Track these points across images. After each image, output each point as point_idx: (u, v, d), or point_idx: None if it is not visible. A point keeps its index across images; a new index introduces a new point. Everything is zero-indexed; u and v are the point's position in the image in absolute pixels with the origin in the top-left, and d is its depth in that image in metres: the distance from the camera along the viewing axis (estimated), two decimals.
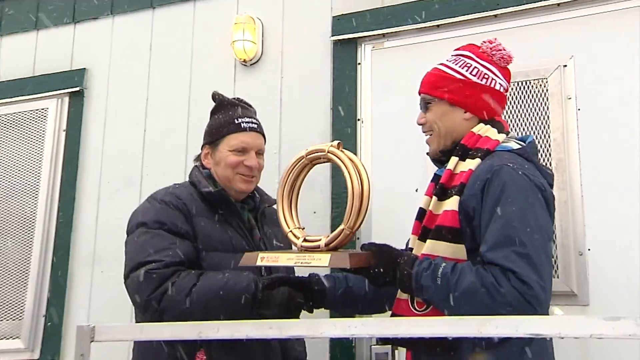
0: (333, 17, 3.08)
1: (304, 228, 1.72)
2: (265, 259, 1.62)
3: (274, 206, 2.02)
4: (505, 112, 2.60)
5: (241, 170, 1.98)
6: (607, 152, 2.52)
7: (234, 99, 2.15)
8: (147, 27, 3.49)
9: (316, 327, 1.26)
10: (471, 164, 1.67)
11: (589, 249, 2.41)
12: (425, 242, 1.65)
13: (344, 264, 1.55)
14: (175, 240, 1.85)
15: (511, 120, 2.66)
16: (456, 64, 1.82)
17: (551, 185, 1.72)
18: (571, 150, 2.50)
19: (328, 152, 1.68)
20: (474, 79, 1.78)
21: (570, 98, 2.57)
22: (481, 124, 1.77)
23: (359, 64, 3.02)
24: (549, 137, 2.57)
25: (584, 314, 2.29)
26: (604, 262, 2.37)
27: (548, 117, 2.59)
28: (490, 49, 1.82)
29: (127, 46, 3.53)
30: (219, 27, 3.29)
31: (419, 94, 1.88)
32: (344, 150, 1.71)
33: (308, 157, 1.73)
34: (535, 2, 2.67)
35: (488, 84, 1.79)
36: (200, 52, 3.35)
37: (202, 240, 1.88)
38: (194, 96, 3.30)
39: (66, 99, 3.52)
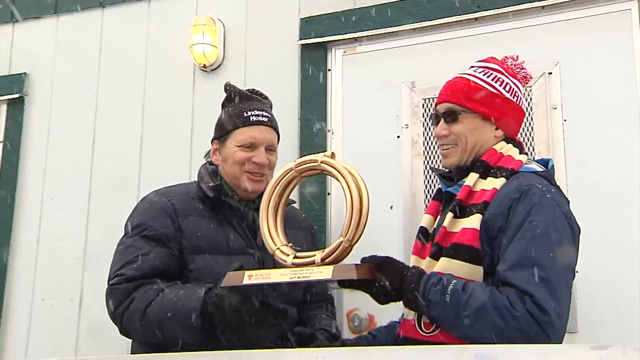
0: (301, 19, 3.03)
1: (291, 245, 1.68)
2: (254, 277, 1.57)
3: (293, 205, 2.03)
4: None
5: (249, 168, 1.93)
6: (595, 167, 2.47)
7: (248, 90, 2.11)
8: (96, 27, 3.40)
9: (280, 358, 1.21)
10: (495, 182, 1.66)
11: (576, 271, 2.39)
12: (437, 260, 1.64)
13: (349, 275, 1.52)
14: (150, 247, 1.81)
15: None
16: (487, 77, 1.80)
17: None
18: (557, 164, 2.43)
19: (322, 162, 1.66)
20: (507, 94, 1.78)
21: (555, 108, 2.54)
22: (502, 142, 1.77)
23: (329, 70, 2.99)
24: (533, 149, 2.54)
25: (572, 342, 2.25)
26: (592, 286, 2.33)
27: (532, 128, 2.56)
28: (515, 65, 1.83)
29: (73, 48, 3.43)
30: (177, 28, 3.23)
31: (440, 102, 1.84)
32: (338, 160, 1.72)
33: (297, 169, 1.70)
34: (517, 5, 2.64)
35: (517, 102, 1.80)
36: (155, 56, 3.28)
37: (189, 242, 1.84)
38: (149, 104, 3.24)
39: (4, 107, 3.41)
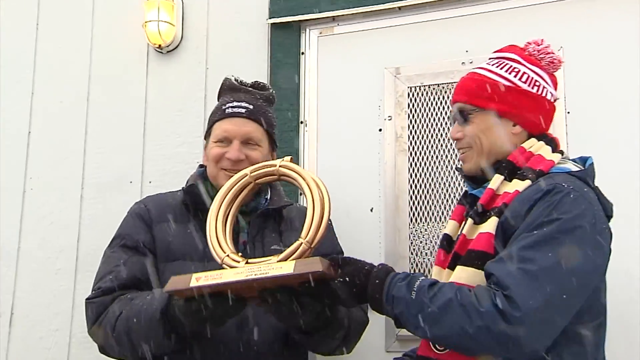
0: None
1: (241, 254, 1.71)
2: (203, 278, 1.57)
3: (291, 209, 2.13)
4: None
5: (224, 165, 1.98)
6: (601, 163, 2.29)
7: (240, 82, 2.16)
8: (33, 1, 3.30)
9: None
10: (519, 185, 1.64)
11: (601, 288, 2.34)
12: (454, 270, 1.64)
13: (314, 267, 1.51)
14: (127, 257, 1.90)
15: None
16: (501, 68, 1.79)
17: (609, 218, 1.68)
18: None
19: (280, 167, 1.73)
20: (524, 86, 1.76)
21: (557, 99, 2.46)
22: (533, 140, 1.75)
23: (303, 53, 2.95)
24: None
25: None
26: None
27: None
28: (538, 51, 1.81)
29: (6, 25, 3.32)
30: (128, 3, 3.16)
31: (453, 103, 1.85)
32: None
33: (253, 174, 1.77)
34: None
35: (540, 92, 1.77)
36: (102, 35, 3.21)
37: (161, 249, 1.93)
38: (94, 91, 3.17)
39: None
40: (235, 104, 2.04)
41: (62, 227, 3.04)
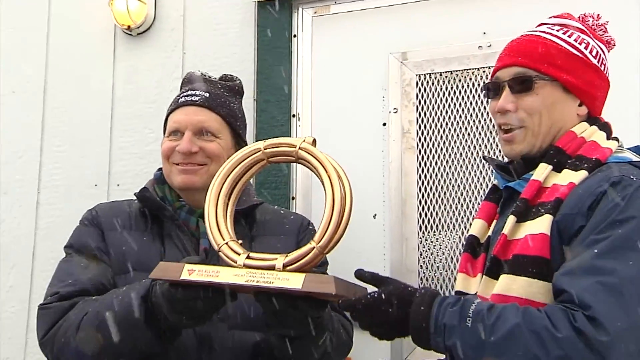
0: None
1: (241, 242, 1.68)
2: (196, 272, 1.57)
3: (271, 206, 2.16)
4: (477, 108, 2.66)
5: (175, 159, 1.98)
6: None
7: (202, 74, 2.19)
8: None
9: None
10: (573, 176, 1.58)
11: None
12: (495, 277, 1.59)
13: (326, 288, 1.50)
14: (88, 262, 1.93)
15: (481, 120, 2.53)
16: (569, 36, 1.72)
17: None
18: None
19: (300, 149, 1.67)
20: (595, 61, 1.71)
21: None
22: (584, 123, 1.69)
23: (295, 36, 2.95)
24: None
25: None
26: None
27: None
28: (597, 26, 1.77)
29: None
30: None
31: (503, 67, 1.73)
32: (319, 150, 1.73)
33: (267, 151, 1.71)
34: None
35: (605, 72, 1.73)
36: (61, 15, 3.21)
37: (114, 260, 1.95)
38: (52, 80, 3.17)
39: None
40: (190, 92, 2.05)
41: (14, 238, 3.05)
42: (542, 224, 1.54)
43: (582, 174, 1.58)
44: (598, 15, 1.78)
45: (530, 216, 1.59)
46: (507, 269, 1.56)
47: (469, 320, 1.43)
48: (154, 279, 1.67)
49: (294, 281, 1.51)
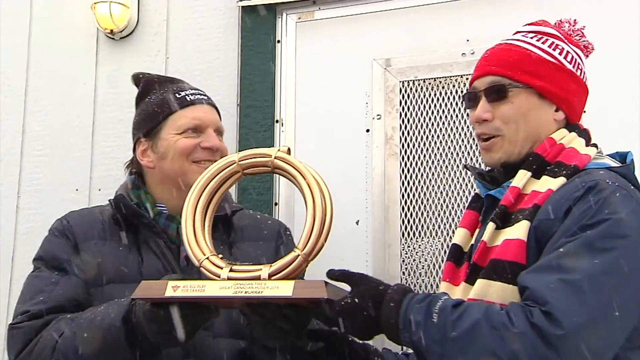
0: None
1: (222, 257, 1.66)
2: (181, 289, 1.53)
3: (249, 211, 2.14)
4: (460, 115, 2.68)
5: (199, 156, 1.96)
6: None
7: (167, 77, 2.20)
8: None
9: None
10: (551, 182, 1.58)
11: None
12: (473, 284, 1.59)
13: (318, 293, 1.48)
14: (58, 277, 1.88)
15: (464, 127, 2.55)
16: (542, 43, 1.73)
17: None
18: None
19: (276, 158, 1.67)
20: (570, 67, 1.71)
21: None
22: (564, 130, 1.69)
23: (279, 41, 2.95)
24: None
25: None
26: None
27: None
28: (574, 31, 1.77)
29: None
30: None
31: (479, 76, 1.75)
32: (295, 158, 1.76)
33: (241, 163, 1.70)
34: None
35: (582, 77, 1.74)
36: (43, 18, 3.21)
37: (88, 272, 1.90)
38: (34, 83, 3.17)
39: None
40: (192, 91, 2.04)
41: None
42: (519, 230, 1.55)
43: (561, 180, 1.59)
44: (575, 20, 1.79)
45: (509, 223, 1.59)
46: (483, 273, 1.57)
47: (435, 316, 1.44)
48: (135, 298, 1.63)
49: (284, 289, 1.49)
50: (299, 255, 1.55)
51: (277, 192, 2.82)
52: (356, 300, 1.50)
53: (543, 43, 1.72)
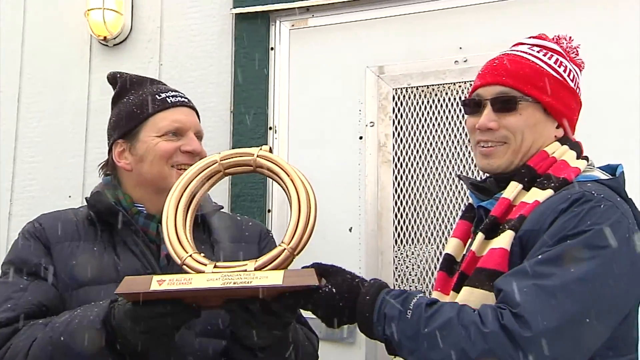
0: None
1: (203, 248, 1.69)
2: (167, 282, 1.51)
3: (227, 213, 2.10)
4: (453, 122, 2.68)
5: (179, 160, 1.93)
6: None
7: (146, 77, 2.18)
8: None
9: None
10: (539, 195, 1.60)
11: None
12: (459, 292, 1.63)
13: (308, 281, 1.47)
14: (27, 282, 1.83)
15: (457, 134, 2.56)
16: (548, 59, 1.75)
17: None
18: None
19: (258, 157, 1.67)
20: (572, 85, 1.74)
21: None
22: (556, 143, 1.71)
23: (272, 48, 2.96)
24: None
25: None
26: None
27: None
28: (570, 48, 1.79)
29: None
30: None
31: (486, 84, 1.75)
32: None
33: (223, 162, 1.70)
34: None
35: (580, 95, 1.76)
36: (36, 24, 3.22)
37: (62, 274, 1.86)
38: (27, 90, 3.17)
39: None
40: (172, 93, 2.00)
41: None
42: (503, 240, 1.57)
43: (548, 192, 1.60)
44: (570, 37, 1.81)
45: (497, 233, 1.61)
46: (468, 281, 1.59)
47: (409, 312, 1.46)
48: (118, 294, 1.59)
49: (274, 278, 1.48)
50: (285, 249, 1.55)
51: (270, 199, 2.82)
52: (333, 290, 1.50)
53: (549, 59, 1.74)
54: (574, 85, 1.75)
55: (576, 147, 1.74)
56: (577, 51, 1.80)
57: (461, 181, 2.59)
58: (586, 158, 1.73)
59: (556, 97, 1.71)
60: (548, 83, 1.71)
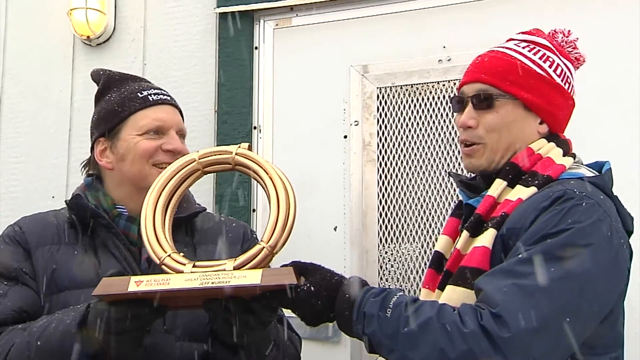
0: None
1: (185, 250, 1.70)
2: (145, 283, 1.50)
3: (211, 214, 2.11)
4: (437, 121, 2.68)
5: (160, 159, 1.90)
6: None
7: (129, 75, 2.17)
8: None
9: None
10: (522, 192, 1.59)
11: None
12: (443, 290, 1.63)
13: (287, 279, 1.47)
14: (7, 287, 1.81)
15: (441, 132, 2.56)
16: (534, 54, 1.73)
17: (630, 233, 1.61)
18: None
19: (237, 155, 1.67)
20: (558, 80, 1.71)
21: None
22: (542, 140, 1.69)
23: (256, 48, 2.96)
24: None
25: None
26: None
27: None
28: (567, 42, 1.77)
29: None
30: None
31: (467, 82, 1.75)
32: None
33: (201, 161, 1.69)
34: None
35: (569, 90, 1.73)
36: (19, 23, 3.20)
37: (41, 279, 1.84)
38: (9, 89, 3.16)
39: None
40: (155, 91, 1.97)
41: None
42: (486, 238, 1.57)
43: (532, 190, 1.60)
44: (569, 31, 1.78)
45: (481, 231, 1.61)
46: (451, 280, 1.59)
47: (389, 311, 1.45)
48: (96, 295, 1.58)
49: (252, 277, 1.47)
50: (263, 247, 1.54)
51: (255, 199, 2.82)
52: (312, 288, 1.49)
53: (534, 54, 1.73)
54: (562, 80, 1.72)
55: (563, 144, 1.72)
56: (574, 45, 1.78)
57: (447, 179, 2.61)
58: (573, 155, 1.72)
59: (537, 93, 1.69)
60: (528, 79, 1.69)
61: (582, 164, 1.72)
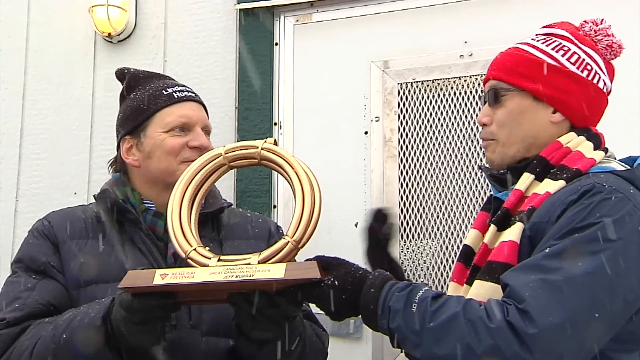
0: None
1: (211, 246, 1.70)
2: (170, 276, 1.51)
3: (237, 209, 2.12)
4: (458, 117, 2.67)
5: (187, 156, 1.91)
6: None
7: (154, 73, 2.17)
8: None
9: None
10: (551, 186, 1.58)
11: None
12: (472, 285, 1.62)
13: (311, 274, 1.47)
14: (35, 281, 1.83)
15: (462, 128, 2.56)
16: (547, 45, 1.73)
17: None
18: None
19: (262, 149, 1.66)
20: (573, 68, 1.69)
21: (611, 91, 2.54)
22: (572, 133, 1.68)
23: (277, 44, 2.96)
24: None
25: None
26: None
27: None
28: (596, 32, 1.75)
29: None
30: None
31: (486, 81, 1.78)
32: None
33: (227, 155, 1.69)
34: None
35: (590, 78, 1.70)
36: (41, 21, 3.20)
37: (71, 273, 1.86)
38: (31, 86, 3.17)
39: None
40: (179, 88, 1.99)
41: None
42: (513, 232, 1.56)
43: (560, 183, 1.59)
44: (602, 20, 1.77)
45: (509, 225, 1.60)
46: (479, 275, 1.59)
47: (414, 305, 1.44)
48: (122, 288, 1.59)
49: (276, 271, 1.48)
50: (288, 242, 1.54)
51: (276, 195, 2.83)
52: (336, 282, 1.49)
53: (547, 45, 1.73)
54: (578, 68, 1.71)
55: (594, 138, 1.71)
56: (606, 33, 1.76)
57: (469, 175, 2.60)
58: (605, 150, 1.70)
59: (546, 82, 1.69)
60: (533, 69, 1.70)
61: (614, 159, 1.70)
